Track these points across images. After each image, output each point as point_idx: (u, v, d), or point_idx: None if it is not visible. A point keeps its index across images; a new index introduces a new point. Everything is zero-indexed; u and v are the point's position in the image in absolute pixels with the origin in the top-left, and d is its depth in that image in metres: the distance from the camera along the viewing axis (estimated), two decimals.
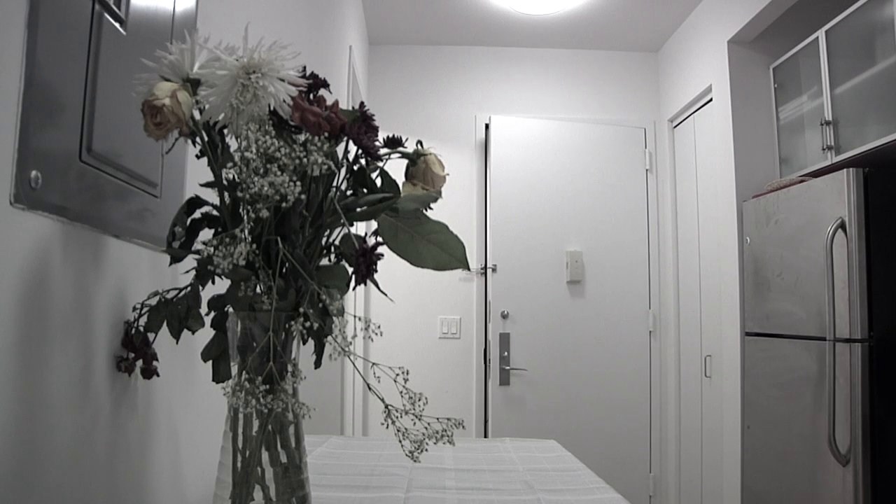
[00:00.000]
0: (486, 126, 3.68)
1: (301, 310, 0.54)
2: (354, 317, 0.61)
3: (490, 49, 3.72)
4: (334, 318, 0.56)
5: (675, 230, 3.53)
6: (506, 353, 3.33)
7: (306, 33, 1.87)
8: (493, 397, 3.32)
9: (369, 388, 0.56)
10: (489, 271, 3.36)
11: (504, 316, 3.34)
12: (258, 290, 0.57)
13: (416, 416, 0.55)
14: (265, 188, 0.52)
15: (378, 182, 0.63)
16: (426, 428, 0.55)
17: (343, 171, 0.61)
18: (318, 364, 0.62)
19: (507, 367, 3.33)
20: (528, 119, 3.52)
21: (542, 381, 3.37)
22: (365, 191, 0.63)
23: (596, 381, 3.39)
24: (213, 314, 0.64)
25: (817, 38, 2.39)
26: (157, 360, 0.70)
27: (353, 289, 0.62)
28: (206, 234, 0.61)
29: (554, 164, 3.51)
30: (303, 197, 0.56)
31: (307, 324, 0.53)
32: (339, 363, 2.52)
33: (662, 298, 3.58)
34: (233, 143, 0.58)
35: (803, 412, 2.25)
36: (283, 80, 0.56)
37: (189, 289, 0.64)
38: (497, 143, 3.44)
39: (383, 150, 0.62)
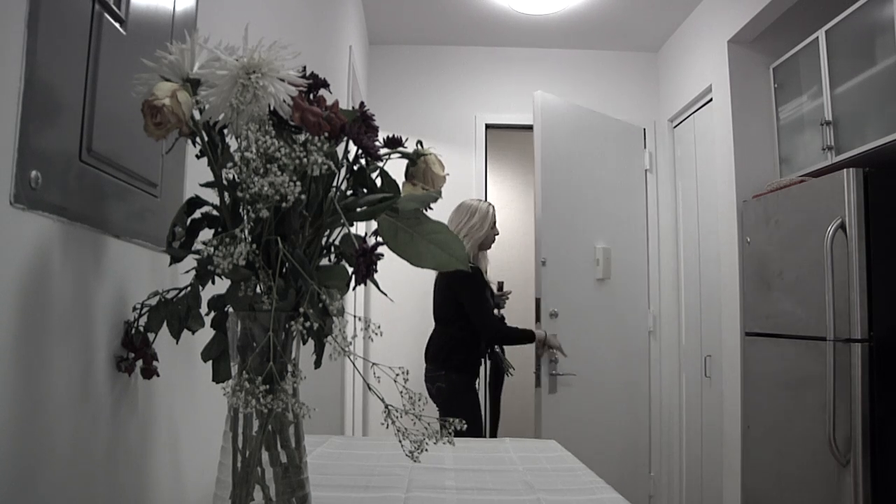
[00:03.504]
0: (487, 126, 3.69)
1: (301, 310, 0.54)
2: (354, 317, 0.61)
3: (490, 49, 3.72)
4: (334, 318, 0.56)
5: (676, 230, 3.53)
6: (554, 359, 2.99)
7: (306, 33, 1.87)
8: (545, 408, 2.95)
9: (369, 388, 0.56)
10: (539, 265, 2.99)
11: (553, 315, 3.02)
12: (258, 290, 0.57)
13: (416, 416, 0.55)
14: (265, 188, 0.52)
15: (378, 182, 0.63)
16: (426, 428, 0.55)
17: (343, 171, 0.61)
18: (318, 364, 0.62)
19: (555, 373, 2.99)
20: (566, 100, 3.29)
21: (587, 388, 3.14)
22: (365, 191, 0.63)
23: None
24: (213, 314, 0.64)
25: (817, 38, 2.39)
26: (157, 360, 0.70)
27: (353, 289, 0.62)
28: (206, 234, 0.61)
29: (583, 153, 3.30)
30: (303, 197, 0.56)
31: (307, 324, 0.53)
32: (339, 363, 2.52)
33: (662, 298, 3.58)
34: (233, 143, 0.58)
35: (803, 412, 2.25)
36: (283, 80, 0.56)
37: (189, 289, 0.64)
38: (545, 122, 3.07)
39: (383, 150, 0.62)
